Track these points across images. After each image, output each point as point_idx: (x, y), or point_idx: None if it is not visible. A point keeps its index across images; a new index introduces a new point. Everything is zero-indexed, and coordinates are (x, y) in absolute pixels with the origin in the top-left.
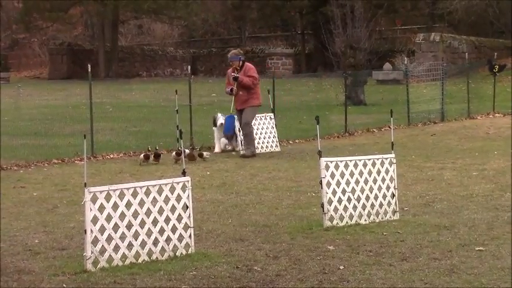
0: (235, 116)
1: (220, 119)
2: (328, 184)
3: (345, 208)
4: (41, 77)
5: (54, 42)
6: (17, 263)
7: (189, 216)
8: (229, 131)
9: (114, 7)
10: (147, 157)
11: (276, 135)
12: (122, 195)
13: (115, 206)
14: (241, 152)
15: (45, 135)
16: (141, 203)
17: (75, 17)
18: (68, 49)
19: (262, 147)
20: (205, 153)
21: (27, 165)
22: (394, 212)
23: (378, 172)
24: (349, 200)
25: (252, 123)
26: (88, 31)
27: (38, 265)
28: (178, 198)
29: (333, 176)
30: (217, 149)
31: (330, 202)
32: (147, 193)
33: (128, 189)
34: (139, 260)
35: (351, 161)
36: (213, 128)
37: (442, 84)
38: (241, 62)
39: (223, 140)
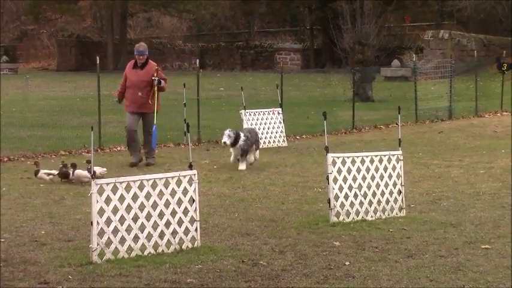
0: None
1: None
2: (335, 180)
3: (352, 204)
4: (49, 69)
5: (63, 34)
6: (23, 253)
7: (196, 210)
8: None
9: (123, 0)
10: (65, 176)
11: (284, 130)
12: (128, 188)
13: (121, 199)
14: (147, 161)
15: (52, 126)
16: (148, 196)
17: (84, 9)
18: (77, 41)
19: (269, 142)
20: (99, 170)
21: (35, 157)
22: (400, 208)
23: (385, 168)
24: (355, 196)
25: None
26: (97, 23)
27: (44, 256)
28: (185, 192)
29: (339, 171)
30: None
31: (337, 198)
32: (154, 186)
33: (134, 181)
34: (145, 253)
35: (357, 157)
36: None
37: (450, 82)
38: (145, 58)
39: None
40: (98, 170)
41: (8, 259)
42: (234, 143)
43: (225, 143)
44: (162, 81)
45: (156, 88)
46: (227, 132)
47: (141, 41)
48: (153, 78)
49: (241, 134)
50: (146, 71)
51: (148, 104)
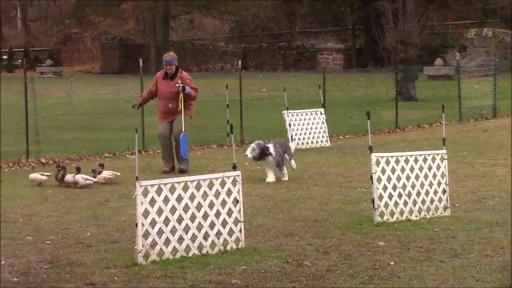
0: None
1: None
2: (379, 180)
3: (396, 204)
4: (93, 72)
5: (106, 36)
6: (69, 255)
7: (240, 211)
8: (186, 154)
9: (165, 2)
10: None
11: (327, 130)
12: (172, 189)
13: (166, 200)
14: (179, 166)
15: (97, 129)
16: (192, 197)
17: (127, 12)
18: (120, 44)
19: (312, 142)
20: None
21: (79, 159)
22: (445, 208)
23: (429, 168)
24: (399, 195)
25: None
26: (139, 26)
27: (89, 258)
28: (229, 193)
29: (383, 171)
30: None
31: (381, 198)
32: (198, 187)
33: (178, 183)
34: (190, 254)
35: (401, 156)
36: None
37: (494, 80)
38: (174, 68)
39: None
40: (106, 173)
41: (55, 261)
42: (259, 157)
43: (246, 155)
44: (188, 88)
45: (182, 95)
46: (252, 145)
47: (184, 43)
48: (177, 85)
49: (270, 146)
50: (175, 82)
51: (178, 113)
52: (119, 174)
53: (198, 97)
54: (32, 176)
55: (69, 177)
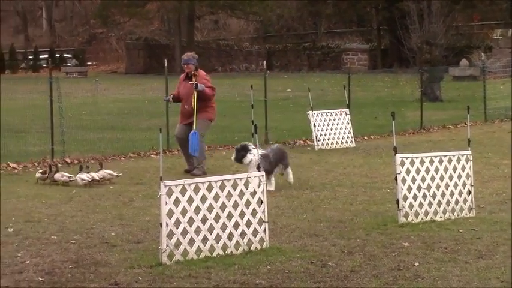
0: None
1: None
2: (404, 180)
3: (420, 205)
4: (117, 72)
5: (131, 37)
6: (93, 255)
7: (264, 211)
8: (196, 151)
9: (190, 2)
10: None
11: (351, 130)
12: (197, 189)
13: (190, 200)
14: (192, 171)
15: (121, 129)
16: (216, 197)
17: (152, 12)
18: (145, 44)
19: (337, 142)
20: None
21: (104, 159)
22: (470, 209)
23: (454, 169)
24: (424, 196)
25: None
26: (164, 26)
27: (114, 258)
28: (253, 193)
29: (408, 172)
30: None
31: (405, 198)
32: (222, 187)
33: (203, 183)
34: (214, 254)
35: (426, 157)
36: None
37: None
38: (193, 68)
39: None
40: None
41: (79, 260)
42: (239, 158)
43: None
44: (202, 85)
45: (195, 93)
46: (237, 146)
47: (209, 43)
48: (190, 82)
49: (251, 146)
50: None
51: (196, 116)
52: (120, 174)
53: (219, 97)
54: (57, 175)
55: (57, 175)
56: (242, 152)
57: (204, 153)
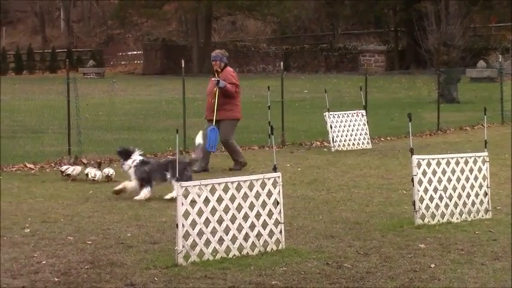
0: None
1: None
2: (420, 182)
3: (437, 206)
4: (135, 73)
5: (148, 37)
6: (109, 255)
7: (280, 212)
8: (213, 147)
9: (208, 3)
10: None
11: (368, 132)
12: (213, 190)
13: (206, 201)
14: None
15: (138, 129)
16: (232, 198)
17: (170, 13)
18: (162, 45)
19: (353, 144)
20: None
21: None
22: (486, 210)
23: (471, 170)
24: (440, 198)
25: (231, 139)
26: (182, 27)
27: (130, 258)
28: (269, 194)
29: (424, 173)
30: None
31: (422, 200)
32: (238, 188)
33: (219, 184)
34: (230, 255)
35: (443, 158)
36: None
37: None
38: (222, 64)
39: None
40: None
41: (95, 261)
42: (121, 157)
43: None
44: (223, 82)
45: (216, 89)
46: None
47: (227, 44)
48: (213, 79)
49: (136, 152)
50: (221, 78)
51: (219, 112)
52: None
53: (239, 96)
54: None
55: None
56: (123, 155)
57: (237, 148)
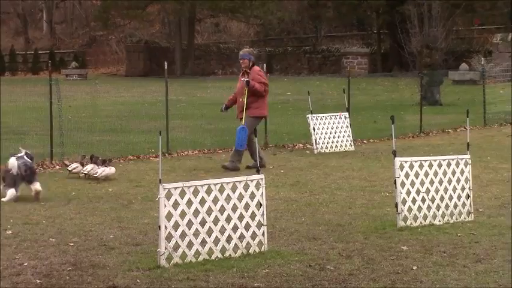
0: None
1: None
2: (403, 184)
3: (419, 208)
4: (117, 74)
5: (131, 39)
6: (92, 257)
7: (263, 214)
8: (242, 146)
9: (191, 5)
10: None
11: (351, 134)
12: (196, 192)
13: (189, 203)
14: (225, 163)
15: (121, 131)
16: (215, 200)
17: (153, 15)
18: (145, 46)
19: (336, 146)
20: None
21: None
22: (468, 213)
23: (453, 173)
24: (423, 200)
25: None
26: (165, 29)
27: (112, 260)
28: (252, 196)
29: (407, 175)
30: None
31: (404, 202)
32: (221, 190)
33: (202, 186)
34: (213, 257)
35: (425, 161)
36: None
37: None
38: (250, 63)
39: (11, 193)
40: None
41: (77, 263)
42: None
43: None
44: (253, 82)
45: (246, 89)
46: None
47: (210, 46)
48: (242, 79)
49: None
50: (249, 77)
51: (247, 110)
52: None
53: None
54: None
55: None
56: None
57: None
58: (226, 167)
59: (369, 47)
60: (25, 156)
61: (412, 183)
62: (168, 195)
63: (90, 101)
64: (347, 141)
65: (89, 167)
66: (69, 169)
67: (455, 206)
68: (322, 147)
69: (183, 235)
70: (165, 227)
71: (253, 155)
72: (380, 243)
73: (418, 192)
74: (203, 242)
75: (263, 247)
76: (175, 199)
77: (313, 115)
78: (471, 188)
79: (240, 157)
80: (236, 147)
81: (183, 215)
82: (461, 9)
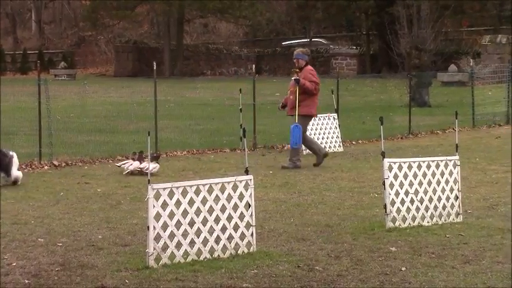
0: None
1: None
2: (391, 185)
3: (408, 209)
4: (106, 75)
5: (120, 39)
6: (80, 258)
7: (251, 215)
8: (298, 143)
9: (179, 6)
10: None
11: (340, 135)
12: (184, 193)
13: (178, 203)
14: (283, 164)
15: (109, 132)
16: (204, 201)
17: (142, 15)
18: (134, 47)
19: (325, 147)
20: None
21: (92, 162)
22: (457, 214)
23: (442, 174)
24: (412, 201)
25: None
26: (154, 29)
27: (100, 260)
28: (241, 197)
29: (396, 177)
30: None
31: (393, 203)
32: (210, 191)
33: (190, 186)
34: (201, 258)
35: (414, 162)
36: None
37: (508, 87)
38: (303, 63)
39: None
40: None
41: (66, 263)
42: None
43: None
44: (303, 80)
45: (297, 88)
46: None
47: (199, 47)
48: (293, 78)
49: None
50: (300, 76)
51: (298, 107)
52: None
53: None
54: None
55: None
56: None
57: (315, 142)
58: (286, 167)
59: (358, 48)
60: None
61: (401, 185)
62: (157, 196)
63: (79, 101)
64: (336, 142)
65: (142, 164)
66: (119, 165)
67: (444, 207)
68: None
69: (171, 236)
70: (154, 228)
71: (311, 150)
72: (369, 244)
73: (406, 193)
74: (192, 243)
75: (252, 248)
76: (164, 200)
77: None
78: (460, 190)
79: (299, 155)
80: (291, 145)
81: (171, 215)
82: (450, 11)
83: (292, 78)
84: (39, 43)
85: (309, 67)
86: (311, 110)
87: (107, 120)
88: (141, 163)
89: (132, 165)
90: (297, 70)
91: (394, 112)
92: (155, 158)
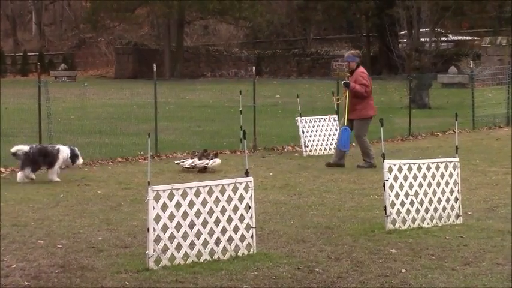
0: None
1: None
2: (391, 187)
3: (408, 211)
4: (107, 76)
5: (120, 41)
6: (80, 259)
7: (251, 217)
8: (346, 146)
9: (180, 8)
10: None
11: None
12: (184, 195)
13: (178, 205)
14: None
15: (110, 133)
16: (204, 203)
17: (142, 17)
18: (134, 49)
19: (325, 149)
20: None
21: (92, 164)
22: (457, 216)
23: (442, 176)
24: (412, 203)
25: (365, 136)
26: (154, 31)
27: (100, 262)
28: (241, 198)
29: (396, 178)
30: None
31: (393, 205)
32: (210, 193)
33: (190, 188)
34: (201, 259)
35: (414, 164)
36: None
37: (508, 89)
38: (354, 65)
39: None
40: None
41: (66, 265)
42: None
43: None
44: (353, 84)
45: (346, 90)
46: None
47: (199, 49)
48: (343, 82)
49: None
50: (351, 79)
51: (352, 112)
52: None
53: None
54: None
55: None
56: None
57: (369, 148)
58: (330, 165)
59: (358, 50)
60: None
61: (401, 186)
62: (157, 198)
63: (79, 103)
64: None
65: (200, 161)
66: (177, 162)
67: (444, 209)
68: (311, 150)
69: (171, 237)
70: (154, 229)
71: (363, 153)
72: (369, 246)
73: (407, 195)
74: (192, 245)
75: (252, 250)
76: (164, 201)
77: (302, 118)
78: (460, 191)
79: (343, 157)
80: (338, 147)
81: (171, 217)
82: (450, 13)
83: (342, 82)
84: (40, 45)
85: (361, 69)
86: (367, 112)
87: (107, 122)
88: (200, 159)
89: (192, 162)
90: (348, 74)
91: (394, 114)
92: (215, 155)
